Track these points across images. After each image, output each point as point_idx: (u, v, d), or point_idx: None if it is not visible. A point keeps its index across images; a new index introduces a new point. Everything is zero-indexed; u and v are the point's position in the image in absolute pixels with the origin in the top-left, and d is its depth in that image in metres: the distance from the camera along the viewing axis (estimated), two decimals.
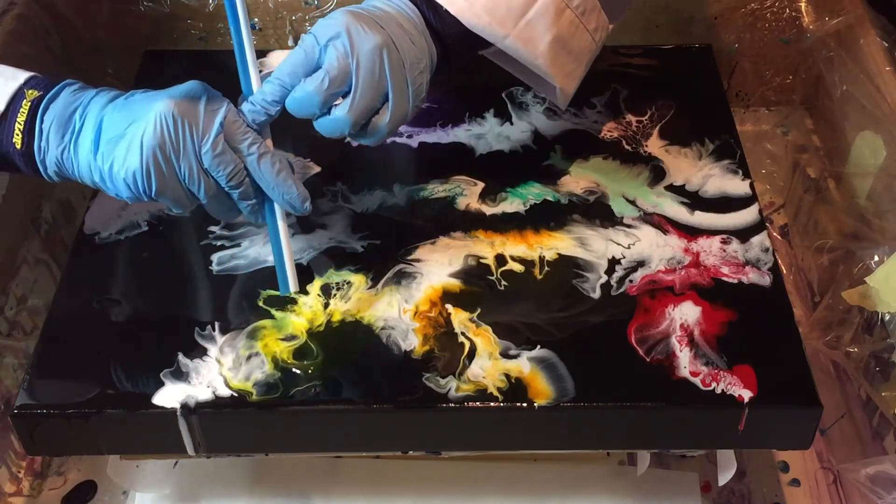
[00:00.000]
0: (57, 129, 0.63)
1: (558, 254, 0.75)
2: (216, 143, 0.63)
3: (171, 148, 0.62)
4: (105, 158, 0.63)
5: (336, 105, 0.65)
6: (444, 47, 0.68)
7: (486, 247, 0.75)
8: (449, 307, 0.71)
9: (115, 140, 0.63)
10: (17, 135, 0.63)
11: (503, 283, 0.73)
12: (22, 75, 0.65)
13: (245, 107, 0.66)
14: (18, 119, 0.63)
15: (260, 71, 0.66)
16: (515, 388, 0.66)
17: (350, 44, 0.64)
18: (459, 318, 0.70)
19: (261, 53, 0.91)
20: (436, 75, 0.69)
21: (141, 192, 0.63)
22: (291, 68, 0.65)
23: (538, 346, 0.68)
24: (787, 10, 1.00)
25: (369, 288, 0.72)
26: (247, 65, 0.66)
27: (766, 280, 0.73)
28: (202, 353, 0.69)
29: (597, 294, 0.72)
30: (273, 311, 0.71)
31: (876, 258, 0.80)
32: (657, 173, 0.81)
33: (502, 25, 0.68)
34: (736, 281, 0.73)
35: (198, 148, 0.63)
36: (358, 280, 0.73)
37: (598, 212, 0.78)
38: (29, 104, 0.63)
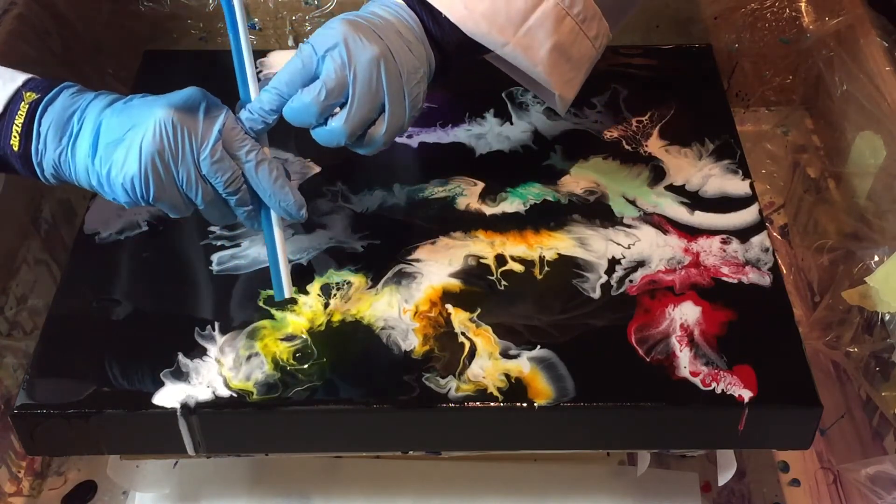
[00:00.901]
0: (55, 132, 0.63)
1: (558, 254, 0.75)
2: (214, 150, 0.63)
3: (170, 154, 0.62)
4: (103, 163, 0.63)
5: (333, 115, 0.65)
6: (443, 54, 0.68)
7: (486, 247, 0.75)
8: (449, 307, 0.71)
9: (113, 144, 0.63)
10: (15, 137, 0.63)
11: (503, 283, 0.73)
12: (20, 77, 0.65)
13: (243, 115, 0.66)
14: (16, 121, 0.63)
15: (259, 72, 0.66)
16: (515, 388, 0.66)
17: (347, 55, 0.64)
18: (459, 318, 0.70)
19: (261, 54, 0.91)
20: (434, 82, 0.69)
21: (139, 197, 0.63)
22: (289, 78, 0.65)
23: (538, 346, 0.68)
24: (787, 10, 1.00)
25: (369, 288, 0.72)
26: (245, 73, 0.66)
27: (766, 280, 0.73)
28: (202, 353, 0.69)
29: (597, 294, 0.72)
30: (273, 311, 0.71)
31: (876, 258, 0.80)
32: (657, 173, 0.81)
33: (502, 33, 0.68)
34: (736, 281, 0.73)
35: (196, 154, 0.63)
36: (358, 280, 0.73)
37: (598, 212, 0.78)
38: (27, 106, 0.63)
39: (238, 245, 0.76)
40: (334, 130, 0.65)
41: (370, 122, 0.66)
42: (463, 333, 0.69)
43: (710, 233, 0.76)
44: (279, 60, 0.91)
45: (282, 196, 0.66)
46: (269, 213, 0.68)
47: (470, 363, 0.68)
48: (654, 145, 0.84)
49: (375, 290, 0.72)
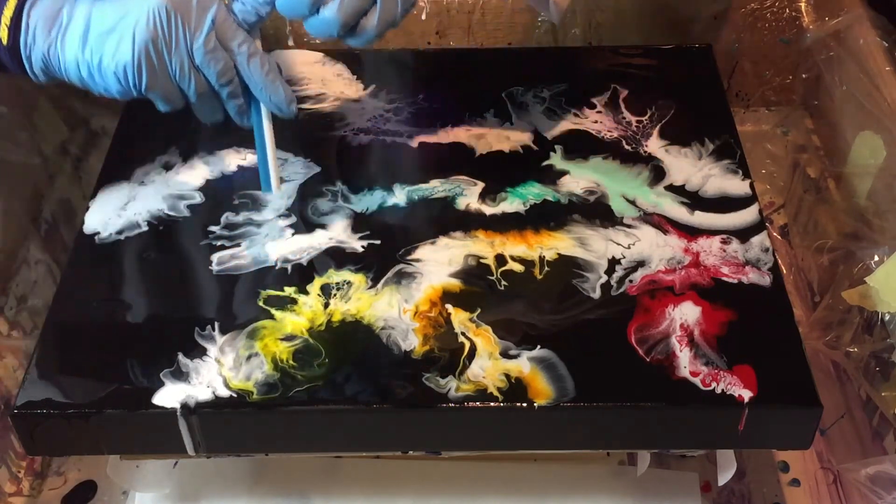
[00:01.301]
0: (44, 25, 0.64)
1: (558, 254, 0.75)
2: (208, 40, 0.64)
3: (164, 42, 0.63)
4: (94, 52, 0.63)
5: (325, 5, 0.66)
6: None
7: (486, 247, 0.75)
8: (449, 307, 0.71)
9: (105, 34, 0.63)
10: (3, 30, 0.64)
11: (503, 283, 0.73)
12: None
13: (236, 6, 0.66)
14: (4, 14, 0.64)
15: None
16: (515, 388, 0.66)
17: None
18: (459, 318, 0.70)
19: None
20: None
21: (131, 85, 0.64)
22: None
23: (538, 346, 0.68)
24: (787, 10, 1.00)
25: (369, 288, 0.72)
26: None
27: (766, 280, 0.73)
28: (202, 353, 0.69)
29: (597, 294, 0.72)
30: (273, 311, 0.71)
31: (876, 258, 0.80)
32: (657, 173, 0.81)
33: None
34: (736, 281, 0.73)
35: (190, 44, 0.63)
36: (358, 280, 0.73)
37: (598, 212, 0.78)
38: (15, 0, 0.64)
39: (238, 245, 0.76)
40: (327, 19, 0.65)
41: (362, 13, 0.66)
42: (463, 333, 0.69)
43: (710, 233, 0.76)
44: (279, 60, 0.91)
45: (273, 89, 0.66)
46: (259, 107, 0.68)
47: (470, 363, 0.68)
48: (654, 145, 0.84)
49: (375, 290, 0.72)
